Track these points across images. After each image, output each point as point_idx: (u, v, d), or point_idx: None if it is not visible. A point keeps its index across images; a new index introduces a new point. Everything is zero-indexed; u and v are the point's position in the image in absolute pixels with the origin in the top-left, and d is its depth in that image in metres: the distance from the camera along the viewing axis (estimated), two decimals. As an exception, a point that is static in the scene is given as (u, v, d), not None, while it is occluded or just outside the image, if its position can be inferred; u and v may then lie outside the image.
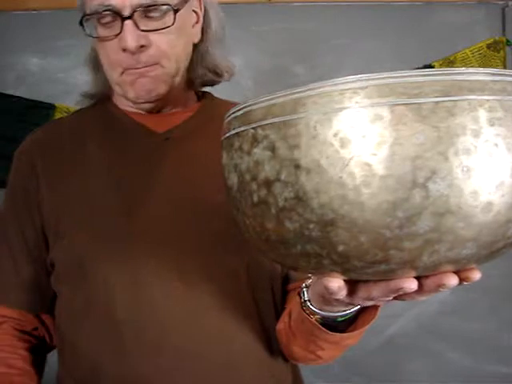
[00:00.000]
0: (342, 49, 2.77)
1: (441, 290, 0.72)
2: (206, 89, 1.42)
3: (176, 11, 1.15)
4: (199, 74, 1.31)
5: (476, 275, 0.72)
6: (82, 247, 1.18)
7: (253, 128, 0.68)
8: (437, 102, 0.58)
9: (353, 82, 0.60)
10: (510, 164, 0.60)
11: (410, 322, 2.62)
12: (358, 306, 0.95)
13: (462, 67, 2.70)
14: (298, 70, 2.78)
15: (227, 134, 0.75)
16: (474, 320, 2.71)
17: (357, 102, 0.59)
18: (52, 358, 1.36)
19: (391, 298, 0.78)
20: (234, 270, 1.18)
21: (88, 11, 1.15)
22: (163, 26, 1.15)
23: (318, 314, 1.00)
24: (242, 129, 0.70)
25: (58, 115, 2.77)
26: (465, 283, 0.72)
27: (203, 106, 1.36)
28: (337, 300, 0.83)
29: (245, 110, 0.70)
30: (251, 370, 1.19)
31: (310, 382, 2.42)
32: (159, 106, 1.27)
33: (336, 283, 0.74)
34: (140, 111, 1.29)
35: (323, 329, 1.01)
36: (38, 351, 1.32)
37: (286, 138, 0.64)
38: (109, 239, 1.18)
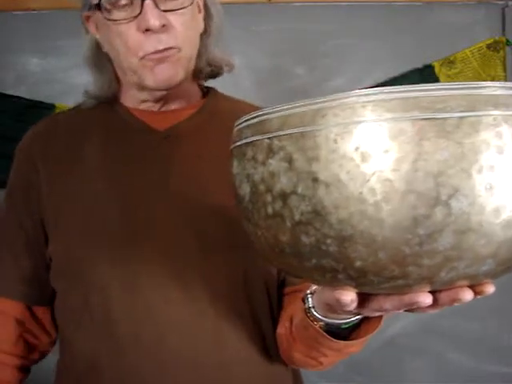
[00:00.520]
0: (342, 49, 2.78)
1: (455, 304, 0.71)
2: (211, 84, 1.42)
3: None
4: (202, 66, 1.31)
5: (490, 289, 0.71)
6: (79, 247, 1.18)
7: (268, 138, 0.67)
8: (461, 117, 0.57)
9: (375, 94, 0.59)
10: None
11: (412, 322, 2.62)
12: (361, 315, 0.95)
13: (462, 67, 2.69)
14: (297, 70, 2.78)
15: (239, 143, 0.74)
16: (475, 320, 2.72)
17: (379, 116, 0.59)
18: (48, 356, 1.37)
19: (402, 311, 0.77)
20: (230, 274, 1.18)
21: None
22: (181, 6, 1.15)
23: (322, 321, 0.99)
24: (256, 138, 0.69)
25: (58, 115, 2.73)
26: (478, 296, 0.72)
27: (206, 103, 1.35)
28: (344, 311, 0.83)
29: (260, 118, 0.69)
30: (246, 374, 1.19)
31: (313, 381, 2.42)
32: (170, 96, 1.26)
33: (349, 296, 0.73)
34: (143, 107, 1.29)
35: (327, 336, 1.01)
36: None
37: (303, 150, 0.63)
38: (106, 239, 1.18)
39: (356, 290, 0.73)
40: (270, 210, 0.68)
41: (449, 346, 2.75)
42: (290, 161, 0.64)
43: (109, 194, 1.21)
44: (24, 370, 1.32)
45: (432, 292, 0.70)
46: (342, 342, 1.01)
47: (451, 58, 2.79)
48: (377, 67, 2.76)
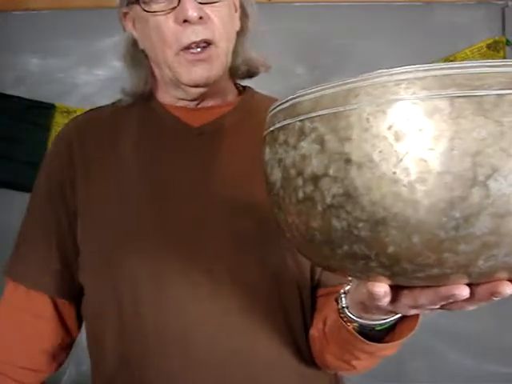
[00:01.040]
0: (342, 49, 2.81)
1: (494, 298, 0.68)
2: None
3: None
4: (238, 65, 1.32)
5: None
6: (111, 242, 1.20)
7: (300, 121, 0.66)
8: (500, 95, 0.56)
9: (410, 72, 0.58)
10: None
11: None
12: (399, 315, 0.92)
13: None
14: (298, 70, 2.78)
15: (271, 128, 0.73)
16: (475, 320, 2.70)
17: (414, 93, 0.57)
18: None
19: (438, 307, 0.74)
20: (261, 274, 1.17)
21: None
22: (217, 0, 1.17)
23: (355, 321, 0.97)
24: (288, 121, 0.69)
25: (57, 115, 2.85)
26: None
27: (242, 101, 1.35)
28: (378, 308, 0.80)
29: (292, 102, 0.69)
30: (276, 376, 1.18)
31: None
32: (206, 94, 1.26)
33: (382, 288, 0.71)
34: (178, 104, 1.30)
35: (360, 338, 0.98)
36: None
37: (336, 131, 0.62)
38: (138, 236, 1.19)
39: (389, 282, 0.70)
40: (300, 195, 0.67)
41: (449, 345, 2.75)
42: (321, 142, 0.63)
43: (142, 189, 1.22)
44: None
45: (469, 286, 0.67)
46: (376, 344, 0.99)
47: (451, 58, 2.80)
48: (377, 67, 2.73)
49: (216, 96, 1.30)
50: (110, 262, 1.19)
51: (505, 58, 2.78)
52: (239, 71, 1.34)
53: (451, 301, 0.69)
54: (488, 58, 2.77)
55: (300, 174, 0.66)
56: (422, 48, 2.76)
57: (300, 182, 0.66)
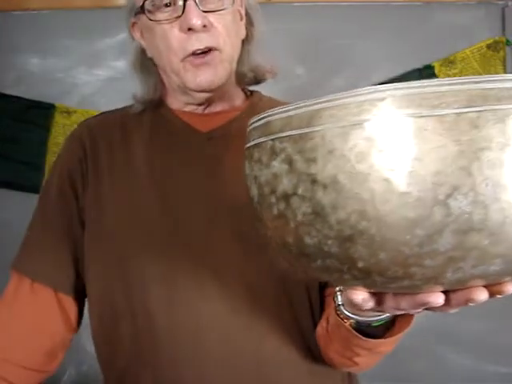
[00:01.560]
0: (341, 49, 2.80)
1: (470, 304, 0.70)
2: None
3: None
4: (245, 72, 1.35)
5: (510, 288, 0.70)
6: (122, 242, 1.22)
7: (271, 140, 0.68)
8: (459, 114, 0.57)
9: (370, 93, 0.59)
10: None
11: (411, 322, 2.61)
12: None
13: (462, 67, 2.69)
14: (298, 71, 2.78)
15: (248, 144, 0.76)
16: (474, 320, 2.71)
17: (374, 115, 0.59)
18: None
19: (421, 310, 0.77)
20: (270, 274, 1.19)
21: None
22: (222, 8, 1.20)
23: (352, 318, 0.99)
24: (262, 140, 0.71)
25: (57, 115, 2.86)
26: (498, 296, 0.71)
27: (250, 106, 1.37)
28: (363, 309, 0.82)
29: (265, 120, 0.71)
30: (286, 374, 1.20)
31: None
32: (212, 99, 1.29)
33: (360, 295, 0.74)
34: (188, 109, 1.33)
35: (356, 334, 1.01)
36: None
37: (302, 152, 0.64)
38: (148, 237, 1.22)
39: (366, 290, 0.73)
40: (275, 211, 0.69)
41: (449, 346, 2.75)
42: (290, 162, 0.65)
43: (153, 192, 1.25)
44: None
45: (446, 292, 0.69)
46: (372, 340, 1.01)
47: (451, 58, 2.80)
48: (377, 67, 2.76)
49: (223, 101, 1.32)
50: (120, 262, 1.21)
51: (505, 58, 2.77)
52: (246, 78, 1.36)
53: (428, 306, 0.71)
54: (488, 58, 2.77)
55: (273, 192, 0.68)
56: (422, 48, 2.76)
57: (273, 199, 0.68)
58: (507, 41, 2.76)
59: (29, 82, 2.83)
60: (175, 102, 1.34)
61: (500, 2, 2.81)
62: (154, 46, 1.23)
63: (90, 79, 2.85)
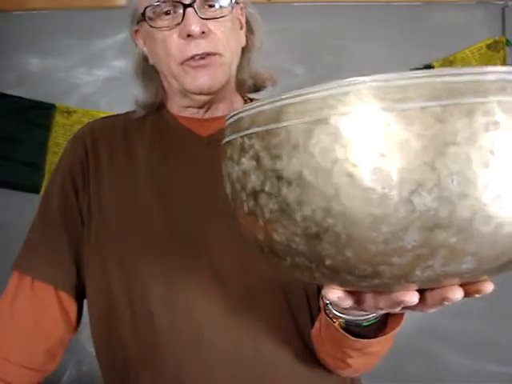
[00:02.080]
0: (341, 49, 2.81)
1: (446, 303, 0.69)
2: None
3: (232, 3, 1.23)
4: (245, 79, 1.37)
5: (487, 287, 0.69)
6: (123, 244, 1.23)
7: (241, 137, 0.67)
8: (423, 108, 0.55)
9: (334, 88, 0.58)
10: (509, 172, 0.56)
11: (411, 322, 2.59)
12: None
13: (461, 67, 2.67)
14: (297, 71, 2.77)
15: (223, 142, 0.75)
16: (474, 320, 2.69)
17: (337, 110, 0.58)
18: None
19: (400, 309, 0.75)
20: (267, 275, 1.18)
21: (146, 4, 1.21)
22: (221, 15, 1.22)
23: (340, 317, 0.98)
24: (233, 137, 0.70)
25: (58, 115, 2.86)
26: (477, 296, 0.70)
27: None
28: (347, 308, 0.81)
29: (236, 117, 0.70)
30: (284, 373, 1.20)
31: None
32: (212, 102, 1.31)
33: (335, 294, 0.73)
34: (188, 114, 1.34)
35: (345, 334, 0.99)
36: None
37: (269, 148, 0.63)
38: (149, 238, 1.23)
39: (341, 288, 0.72)
40: (246, 209, 0.68)
41: (448, 346, 2.74)
42: (257, 159, 0.64)
43: (153, 195, 1.26)
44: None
45: (422, 291, 0.68)
46: (361, 340, 1.00)
47: (451, 58, 2.79)
48: (376, 67, 2.70)
49: (223, 106, 1.34)
50: (120, 262, 1.22)
51: (505, 58, 2.76)
52: (246, 85, 1.38)
53: (403, 305, 0.70)
54: (488, 58, 2.76)
55: (243, 188, 0.67)
56: (422, 48, 2.75)
57: (244, 196, 0.67)
58: (507, 41, 2.75)
59: (29, 82, 2.83)
60: (176, 107, 1.35)
61: (500, 2, 2.80)
62: (155, 53, 1.26)
63: (90, 79, 2.86)
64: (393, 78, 0.56)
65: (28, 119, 2.80)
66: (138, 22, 1.26)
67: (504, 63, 2.76)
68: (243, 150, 0.66)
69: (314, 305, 1.22)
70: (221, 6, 1.21)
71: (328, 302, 0.98)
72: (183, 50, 1.19)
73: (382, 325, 1.00)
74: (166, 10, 1.19)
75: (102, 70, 2.85)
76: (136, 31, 1.31)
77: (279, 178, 0.61)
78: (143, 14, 1.21)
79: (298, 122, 0.59)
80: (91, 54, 2.83)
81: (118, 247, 1.23)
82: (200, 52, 1.18)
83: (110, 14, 2.80)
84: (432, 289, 0.68)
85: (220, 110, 1.34)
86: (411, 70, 2.77)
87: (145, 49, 1.31)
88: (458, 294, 0.67)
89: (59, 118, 2.82)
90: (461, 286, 0.68)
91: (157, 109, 1.38)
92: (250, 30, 1.35)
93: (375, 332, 1.01)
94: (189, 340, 1.16)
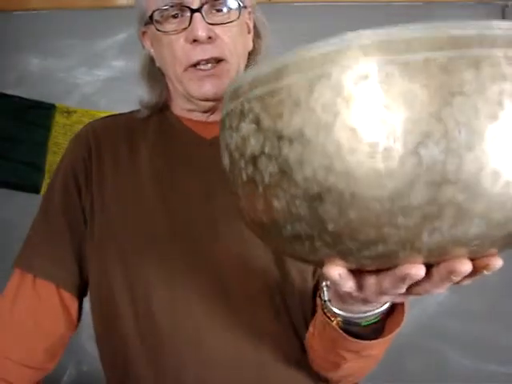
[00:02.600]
0: (342, 49, 2.72)
1: (454, 278, 0.65)
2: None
3: (240, 8, 1.22)
4: None
5: (496, 262, 0.65)
6: (125, 244, 1.22)
7: (240, 103, 0.65)
8: (428, 59, 0.53)
9: (336, 43, 0.56)
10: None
11: (410, 322, 2.58)
12: (381, 309, 0.91)
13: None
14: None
15: (221, 117, 0.73)
16: (474, 320, 2.68)
17: (339, 64, 0.55)
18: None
19: (404, 291, 0.72)
20: (268, 278, 1.19)
21: (154, 7, 1.21)
22: (228, 20, 1.21)
23: (339, 315, 0.95)
24: (232, 106, 0.68)
25: (58, 115, 2.86)
26: (486, 273, 0.66)
27: None
28: (350, 296, 0.79)
29: (234, 86, 0.68)
30: (284, 373, 1.19)
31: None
32: (216, 107, 1.29)
33: (336, 271, 0.69)
34: (192, 116, 1.33)
35: (343, 334, 0.96)
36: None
37: (269, 109, 0.60)
38: (152, 239, 1.22)
39: (343, 264, 0.68)
40: (244, 177, 0.66)
41: (448, 345, 2.72)
42: (257, 122, 0.62)
43: (156, 197, 1.25)
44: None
45: (428, 268, 0.65)
46: (361, 341, 0.97)
47: (451, 58, 2.76)
48: None
49: None
50: (123, 262, 1.21)
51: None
52: None
53: (410, 282, 0.67)
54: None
55: (242, 155, 0.65)
56: (422, 48, 2.75)
57: (242, 163, 0.65)
58: (507, 41, 2.74)
59: (29, 82, 2.83)
60: (180, 109, 1.34)
61: (500, 2, 2.80)
62: (161, 56, 1.25)
63: (90, 79, 2.86)
64: (396, 31, 0.54)
65: (28, 119, 2.79)
66: (146, 24, 1.25)
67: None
68: (242, 115, 0.64)
69: (307, 308, 1.21)
70: (229, 11, 1.21)
71: (327, 299, 0.96)
72: (189, 55, 1.19)
73: (380, 326, 0.97)
74: (173, 13, 1.19)
75: (101, 69, 2.85)
76: (144, 32, 1.31)
77: (280, 137, 0.59)
78: (151, 17, 1.20)
79: (300, 78, 0.57)
80: (91, 54, 2.83)
81: (121, 247, 1.22)
82: (206, 57, 1.19)
83: (110, 14, 2.83)
84: (437, 264, 0.65)
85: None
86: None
87: (152, 50, 1.30)
88: (466, 266, 0.63)
89: (59, 118, 2.81)
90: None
91: (160, 109, 1.37)
92: (257, 35, 1.35)
93: (374, 333, 0.98)
94: (190, 340, 1.16)
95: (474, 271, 0.65)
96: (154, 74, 1.33)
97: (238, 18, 1.21)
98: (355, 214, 0.57)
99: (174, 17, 1.20)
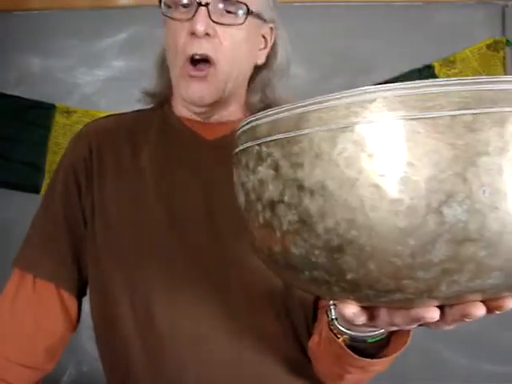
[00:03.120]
0: (342, 49, 2.75)
1: (466, 320, 0.66)
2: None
3: (250, 13, 1.19)
4: (257, 100, 1.33)
5: (510, 304, 0.66)
6: (126, 246, 1.21)
7: (258, 145, 0.64)
8: (454, 116, 0.52)
9: (360, 94, 0.55)
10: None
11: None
12: None
13: (461, 67, 2.65)
14: (297, 71, 2.74)
15: (236, 150, 0.72)
16: (474, 320, 2.64)
17: (364, 117, 0.54)
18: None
19: (416, 326, 0.72)
20: (270, 285, 1.17)
21: None
22: (233, 23, 1.18)
23: (345, 333, 0.94)
24: (248, 145, 0.67)
25: (58, 115, 2.83)
26: (497, 312, 0.67)
27: None
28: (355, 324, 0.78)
29: (251, 124, 0.67)
30: (284, 376, 1.19)
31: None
32: (208, 113, 1.28)
33: (351, 309, 0.69)
34: (194, 117, 1.30)
35: (349, 352, 0.96)
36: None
37: (289, 157, 0.59)
38: (153, 241, 1.21)
39: (357, 304, 0.68)
40: (261, 220, 0.65)
41: (448, 345, 2.72)
42: (276, 168, 0.61)
43: (157, 199, 1.23)
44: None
45: (441, 307, 0.65)
46: (365, 359, 0.97)
47: (451, 58, 2.77)
48: (377, 67, 2.74)
49: (227, 113, 1.30)
50: (123, 264, 1.20)
51: (505, 58, 2.75)
52: (255, 107, 1.32)
53: (423, 322, 0.67)
54: (488, 58, 2.74)
55: (259, 199, 0.64)
56: (422, 48, 2.74)
57: (260, 207, 0.64)
58: (507, 41, 2.74)
59: (29, 82, 2.80)
60: (181, 109, 1.32)
61: (500, 2, 2.78)
62: (167, 42, 1.24)
63: (90, 79, 2.82)
64: (422, 86, 0.53)
65: (28, 119, 2.77)
66: (160, 5, 1.23)
67: (504, 63, 2.75)
68: (260, 159, 0.63)
69: (309, 315, 1.20)
70: (237, 15, 1.18)
71: (334, 317, 0.96)
72: (186, 47, 1.17)
73: (386, 342, 0.97)
74: (184, 2, 1.17)
75: (101, 69, 2.82)
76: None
77: (300, 187, 0.58)
78: (160, 0, 1.20)
79: (322, 129, 0.56)
80: (91, 54, 2.80)
81: (120, 248, 1.21)
82: (200, 52, 1.16)
83: (110, 13, 2.80)
84: (451, 305, 0.65)
85: (225, 116, 1.30)
86: (411, 70, 2.78)
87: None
88: (480, 310, 0.64)
89: (59, 118, 2.78)
90: (482, 301, 0.65)
91: (162, 105, 1.35)
92: (273, 52, 1.32)
93: (379, 349, 0.98)
94: (190, 341, 1.15)
95: (487, 311, 0.66)
96: (165, 64, 1.30)
97: (243, 23, 1.18)
98: (375, 266, 0.56)
99: (184, 6, 1.18)
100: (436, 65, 2.76)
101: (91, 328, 1.27)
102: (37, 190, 2.72)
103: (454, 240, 0.53)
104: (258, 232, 0.67)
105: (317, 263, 0.60)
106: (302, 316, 1.19)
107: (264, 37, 1.28)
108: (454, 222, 0.52)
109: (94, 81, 2.82)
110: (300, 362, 1.19)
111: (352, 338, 0.94)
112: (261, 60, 1.30)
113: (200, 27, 1.14)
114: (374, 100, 0.54)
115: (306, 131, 0.57)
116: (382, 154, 0.53)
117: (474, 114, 0.52)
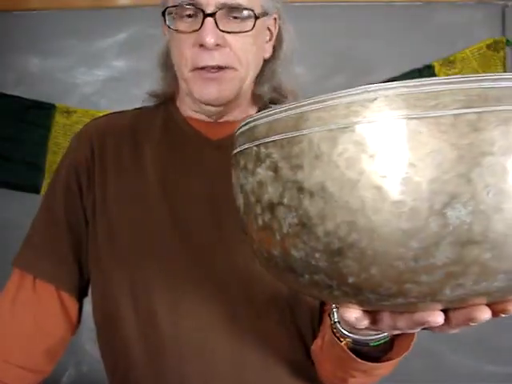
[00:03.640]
0: (341, 48, 2.75)
1: (471, 324, 0.64)
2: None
3: (257, 18, 1.16)
4: (265, 91, 1.31)
5: None
6: (127, 246, 1.20)
7: (256, 146, 0.63)
8: (457, 115, 0.50)
9: (360, 93, 0.53)
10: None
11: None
12: None
13: (461, 67, 2.64)
14: (297, 71, 2.71)
15: (234, 152, 0.70)
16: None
17: (365, 117, 0.53)
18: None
19: (419, 329, 0.71)
20: (272, 285, 1.15)
21: (171, 3, 1.16)
22: (242, 30, 1.16)
23: (348, 337, 0.93)
24: (247, 146, 0.65)
25: (58, 115, 2.83)
26: (502, 315, 0.65)
27: None
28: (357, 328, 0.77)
29: (249, 125, 0.65)
30: (287, 377, 1.18)
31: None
32: (221, 112, 1.26)
33: (353, 314, 0.68)
34: (199, 117, 1.29)
35: (352, 355, 0.95)
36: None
37: (288, 158, 0.58)
38: (155, 241, 1.20)
39: (359, 308, 0.67)
40: (260, 222, 0.64)
41: (448, 346, 2.72)
42: (275, 169, 0.59)
43: (160, 198, 1.22)
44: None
45: (445, 310, 0.63)
46: (368, 363, 0.95)
47: (451, 58, 2.77)
48: (377, 67, 2.74)
49: (235, 113, 1.28)
50: (125, 264, 1.19)
51: (505, 58, 2.74)
52: (263, 98, 1.32)
53: (427, 326, 0.65)
54: (488, 58, 2.74)
55: (258, 201, 0.62)
56: (422, 48, 2.74)
57: (259, 209, 0.62)
58: (507, 41, 2.73)
59: (29, 82, 2.80)
60: (186, 107, 1.30)
61: (500, 2, 2.78)
62: (172, 52, 1.22)
63: (90, 79, 2.82)
64: (424, 84, 0.51)
65: (28, 119, 2.76)
66: (163, 15, 1.21)
67: (504, 63, 2.75)
68: (259, 160, 0.61)
69: (314, 313, 1.19)
70: (245, 20, 1.16)
71: (336, 320, 0.94)
72: (195, 59, 1.15)
73: (389, 346, 0.96)
74: (188, 13, 1.14)
75: (101, 69, 2.81)
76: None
77: (300, 189, 0.56)
78: (164, 12, 1.17)
79: (321, 129, 0.54)
80: (91, 54, 2.79)
81: (122, 248, 1.20)
82: (213, 64, 1.14)
83: (109, 14, 2.79)
84: (455, 308, 0.63)
85: (232, 115, 1.28)
86: (411, 70, 2.77)
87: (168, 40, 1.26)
88: (485, 314, 0.62)
89: (59, 118, 2.78)
90: (487, 305, 0.63)
91: (166, 103, 1.34)
92: (279, 42, 1.32)
93: (383, 352, 0.97)
94: (191, 342, 1.14)
95: (492, 315, 0.64)
96: (168, 63, 1.28)
97: (252, 28, 1.16)
98: (377, 270, 0.55)
99: (189, 16, 1.15)
100: (436, 65, 2.76)
101: (91, 329, 1.26)
102: (37, 190, 2.72)
103: (458, 242, 0.51)
104: (257, 235, 0.65)
105: (317, 267, 0.58)
106: (309, 320, 1.18)
107: (269, 29, 1.27)
108: (458, 223, 0.51)
109: (94, 81, 2.82)
110: (304, 365, 1.18)
111: (355, 342, 0.93)
112: (268, 53, 1.28)
113: (210, 39, 1.11)
114: (375, 99, 0.52)
115: (306, 131, 0.56)
116: (383, 154, 0.52)
117: (478, 112, 0.50)
